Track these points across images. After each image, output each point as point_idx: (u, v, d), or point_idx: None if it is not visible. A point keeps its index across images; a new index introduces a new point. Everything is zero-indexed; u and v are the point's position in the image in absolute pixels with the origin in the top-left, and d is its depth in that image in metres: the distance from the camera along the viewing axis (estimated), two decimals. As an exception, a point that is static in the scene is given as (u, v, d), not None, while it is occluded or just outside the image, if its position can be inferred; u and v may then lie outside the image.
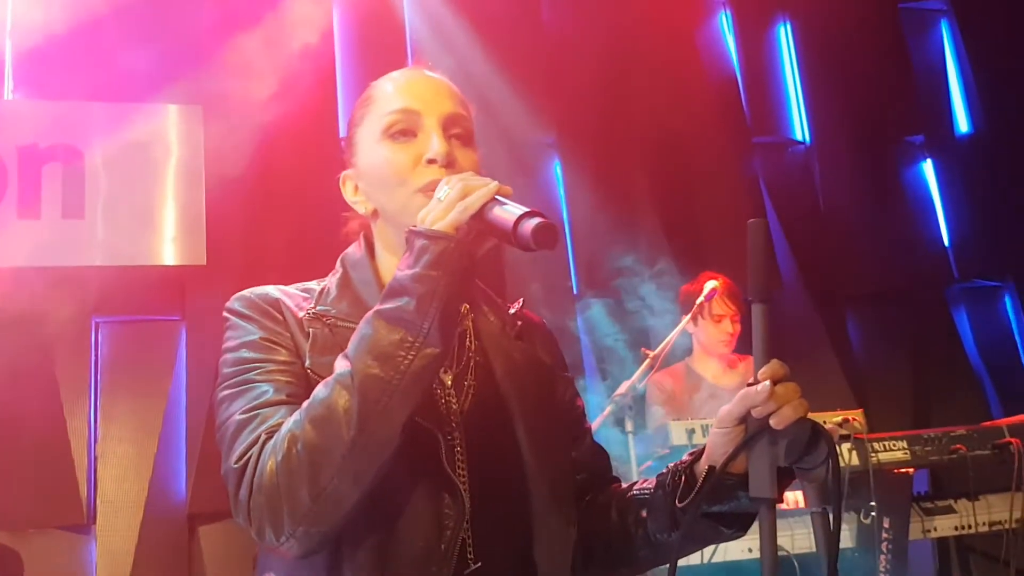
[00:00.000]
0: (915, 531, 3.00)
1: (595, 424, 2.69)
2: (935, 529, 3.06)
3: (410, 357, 1.08)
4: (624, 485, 1.37)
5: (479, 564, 1.17)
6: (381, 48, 4.33)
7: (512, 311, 1.38)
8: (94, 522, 3.59)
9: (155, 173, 3.95)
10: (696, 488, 1.16)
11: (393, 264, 1.23)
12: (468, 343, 1.29)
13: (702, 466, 1.17)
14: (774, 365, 1.09)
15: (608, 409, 2.74)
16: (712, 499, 1.16)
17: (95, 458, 3.66)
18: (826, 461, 1.09)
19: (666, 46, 4.66)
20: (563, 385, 1.39)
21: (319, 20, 4.21)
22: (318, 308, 1.26)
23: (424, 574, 1.14)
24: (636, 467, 2.80)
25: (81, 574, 3.60)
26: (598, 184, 4.36)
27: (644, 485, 1.30)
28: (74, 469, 3.61)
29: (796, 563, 2.87)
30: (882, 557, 2.91)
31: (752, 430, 1.09)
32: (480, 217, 1.12)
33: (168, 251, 3.92)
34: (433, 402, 1.21)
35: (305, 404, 1.11)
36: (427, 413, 1.17)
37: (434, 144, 1.23)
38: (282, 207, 3.85)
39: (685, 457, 1.24)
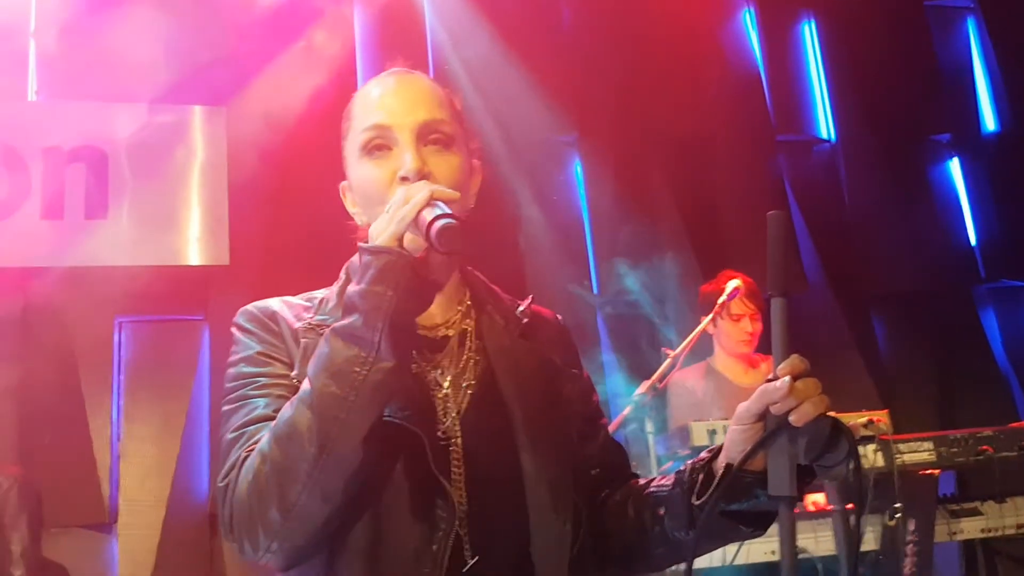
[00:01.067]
0: (941, 533, 2.95)
1: (615, 424, 2.67)
2: (961, 531, 3.01)
3: (364, 372, 1.09)
4: (642, 481, 1.35)
5: (476, 559, 1.17)
6: (402, 49, 4.33)
7: (520, 308, 1.36)
8: (116, 521, 3.62)
9: (179, 174, 3.97)
10: (713, 486, 1.14)
11: None
12: (468, 343, 1.29)
13: (720, 463, 1.15)
14: (794, 360, 1.06)
15: (628, 409, 2.71)
16: (730, 497, 1.14)
17: (118, 457, 3.68)
18: (847, 459, 1.07)
19: (689, 44, 4.64)
20: (572, 382, 1.36)
21: (340, 22, 4.23)
22: (316, 318, 1.26)
23: (417, 575, 1.15)
24: (656, 467, 2.77)
25: (103, 573, 3.62)
26: (619, 183, 4.35)
27: (662, 482, 1.28)
28: (96, 468, 3.63)
29: (820, 566, 2.83)
30: (907, 560, 2.87)
31: (771, 427, 1.07)
32: (416, 225, 1.13)
33: (191, 251, 3.94)
34: (429, 404, 1.22)
35: (272, 424, 1.13)
36: (420, 416, 1.18)
37: (406, 161, 1.22)
38: (304, 208, 3.85)
39: (703, 454, 1.21)
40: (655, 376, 2.77)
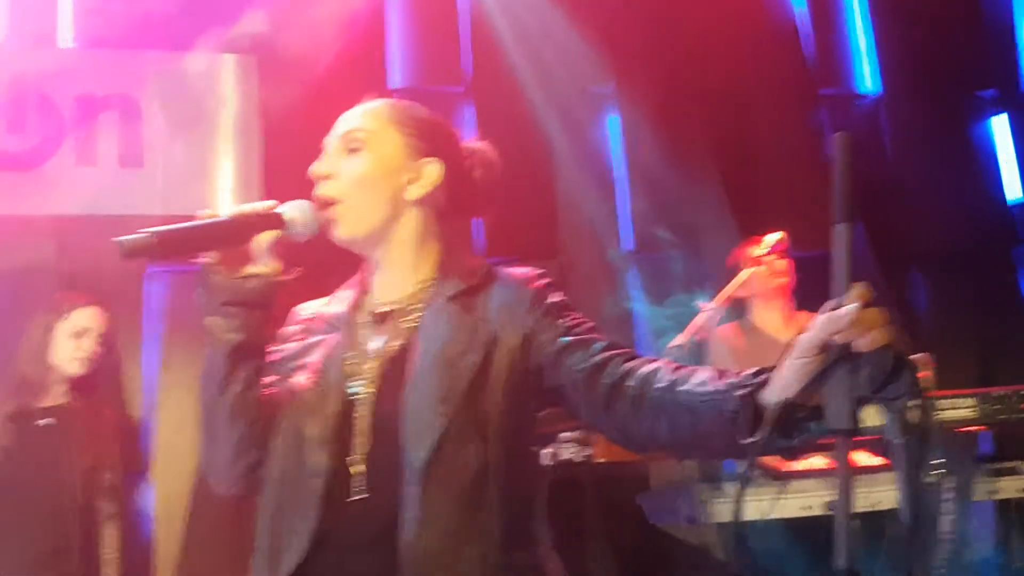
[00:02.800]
0: (978, 492, 2.91)
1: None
2: (1000, 491, 2.96)
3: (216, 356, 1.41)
4: (663, 374, 1.30)
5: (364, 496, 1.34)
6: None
7: (456, 281, 1.45)
8: (151, 468, 3.66)
9: (210, 123, 3.96)
10: (769, 424, 1.11)
11: None
12: (406, 315, 1.44)
13: (770, 398, 1.12)
14: (860, 288, 1.03)
15: (663, 361, 2.68)
16: (781, 433, 1.12)
17: (151, 406, 3.72)
18: (908, 391, 1.04)
19: (728, -7, 4.52)
20: (513, 340, 1.39)
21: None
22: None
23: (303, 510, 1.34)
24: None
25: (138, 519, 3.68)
26: (656, 136, 4.26)
27: (695, 391, 1.24)
28: (129, 416, 3.67)
29: (857, 520, 2.80)
30: (944, 518, 2.83)
31: (832, 357, 1.03)
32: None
33: (223, 201, 3.93)
34: (339, 388, 1.40)
35: None
36: (332, 377, 1.40)
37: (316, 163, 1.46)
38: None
39: (741, 388, 1.18)
40: (690, 329, 2.74)
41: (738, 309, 3.30)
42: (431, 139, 1.48)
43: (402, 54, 4.28)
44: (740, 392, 1.18)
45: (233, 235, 1.36)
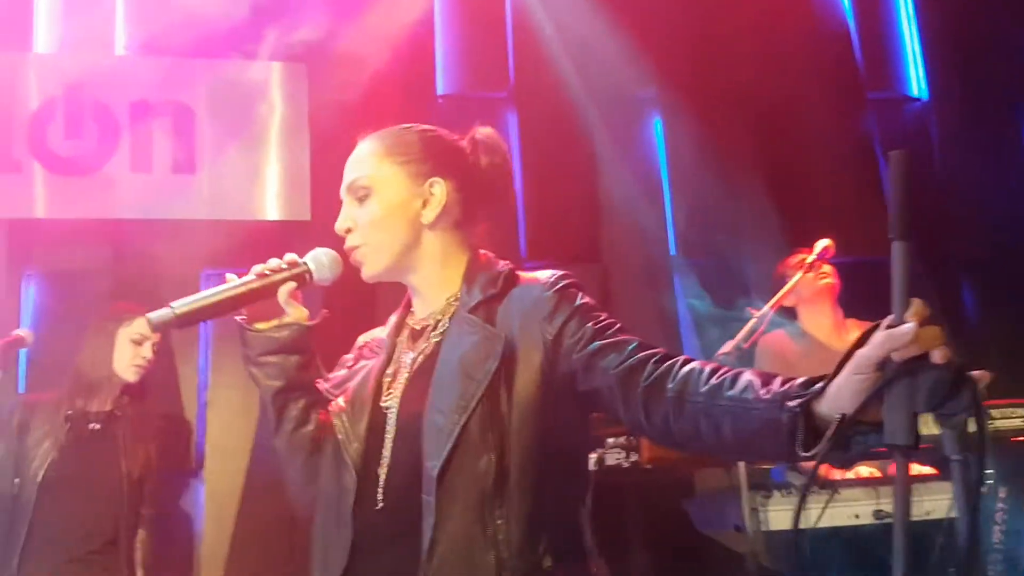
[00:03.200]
0: (1032, 503, 2.87)
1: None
2: (1052, 501, 2.92)
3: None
4: (708, 377, 1.27)
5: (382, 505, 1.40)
6: (480, 2, 4.33)
7: (475, 292, 1.47)
8: (202, 467, 3.74)
9: (260, 129, 4.03)
10: (827, 437, 1.10)
11: None
12: (436, 329, 1.49)
13: (823, 409, 1.13)
14: (918, 305, 1.03)
15: (711, 367, 2.67)
16: (836, 444, 1.11)
17: (204, 405, 3.80)
18: (969, 407, 1.04)
19: (775, -5, 4.49)
20: (536, 339, 1.40)
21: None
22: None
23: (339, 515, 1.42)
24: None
25: (186, 515, 3.76)
26: (700, 141, 4.24)
27: (737, 396, 1.22)
28: (184, 415, 3.75)
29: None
30: (996, 528, 2.79)
31: (891, 374, 1.04)
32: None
33: (272, 206, 4.00)
34: (372, 404, 1.47)
35: None
36: (354, 415, 1.47)
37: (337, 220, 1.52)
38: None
39: (796, 394, 1.17)
40: (739, 336, 2.74)
41: (786, 316, 3.28)
42: (428, 158, 1.51)
43: (448, 60, 4.32)
44: (793, 403, 1.17)
45: (256, 295, 1.45)
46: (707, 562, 3.08)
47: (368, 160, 1.51)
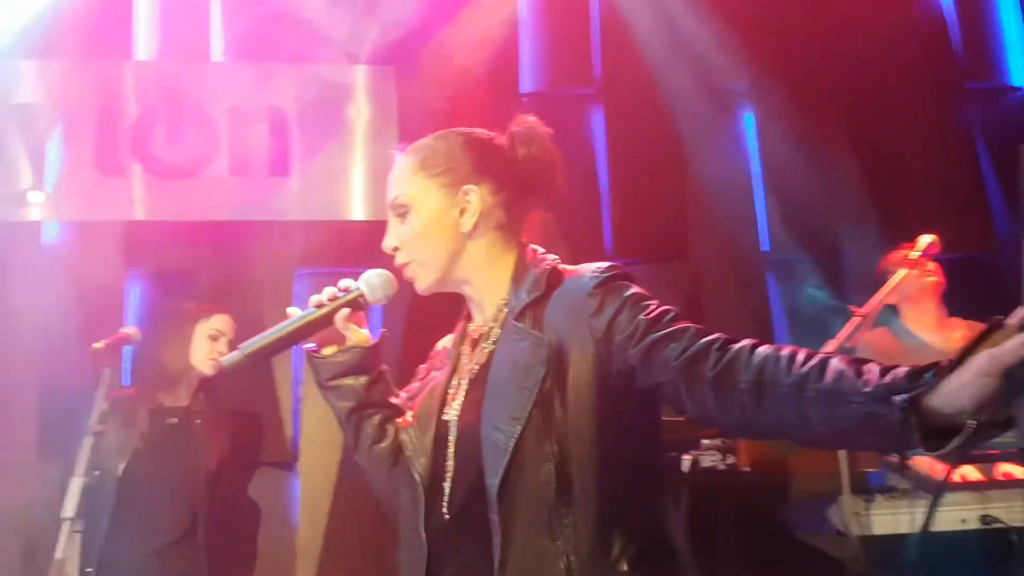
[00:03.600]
0: None
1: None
2: None
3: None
4: (801, 377, 1.19)
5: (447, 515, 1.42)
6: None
7: (522, 295, 1.44)
8: (297, 460, 3.82)
9: (348, 132, 4.10)
10: (958, 442, 1.08)
11: None
12: (489, 337, 1.48)
13: (936, 403, 1.08)
14: None
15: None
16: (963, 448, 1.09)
17: (299, 400, 3.88)
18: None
19: (869, -17, 4.35)
20: (582, 346, 1.36)
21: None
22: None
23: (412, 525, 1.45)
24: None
25: (285, 508, 3.85)
26: (793, 134, 4.14)
27: (849, 397, 1.14)
28: (280, 410, 3.84)
29: (1015, 537, 2.68)
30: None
31: (1020, 378, 1.01)
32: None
33: (360, 207, 4.07)
34: (437, 416, 1.48)
35: None
36: (420, 427, 1.49)
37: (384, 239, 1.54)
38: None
39: (902, 388, 1.12)
40: (842, 334, 2.67)
41: (888, 314, 3.19)
42: (460, 166, 1.50)
43: (532, 58, 4.32)
44: (900, 397, 1.11)
45: (316, 325, 1.51)
46: (806, 568, 3.02)
47: (404, 176, 1.52)
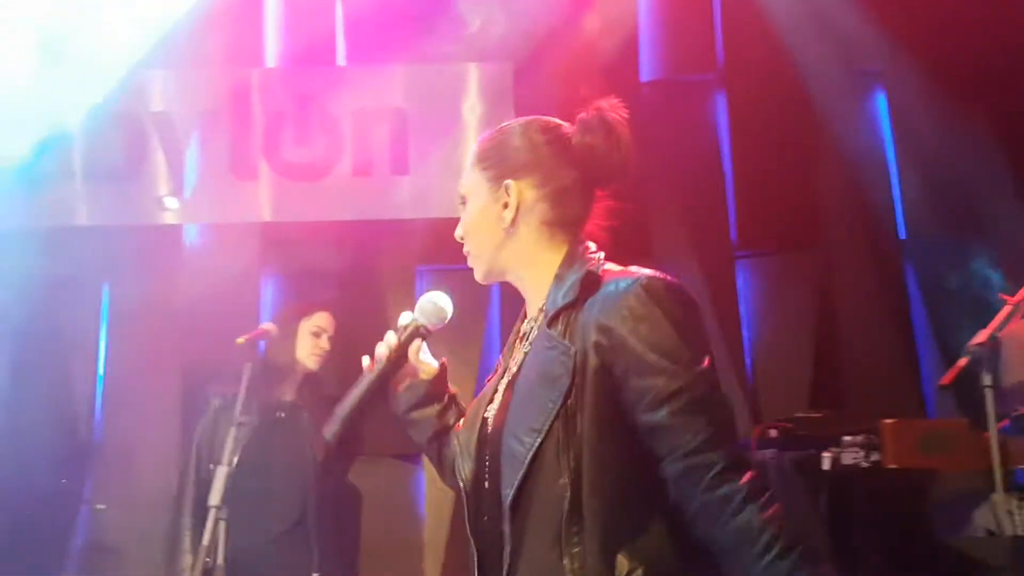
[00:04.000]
0: None
1: (949, 375, 2.45)
2: None
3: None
4: None
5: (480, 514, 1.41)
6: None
7: (557, 299, 1.40)
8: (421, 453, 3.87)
9: (464, 129, 4.13)
10: None
11: None
12: (526, 339, 1.47)
13: None
14: None
15: (964, 360, 2.47)
16: None
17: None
18: None
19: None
20: (596, 361, 1.32)
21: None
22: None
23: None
24: (994, 425, 2.51)
25: (412, 499, 3.92)
26: (930, 118, 3.91)
27: None
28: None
29: None
30: None
31: None
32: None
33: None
34: (485, 408, 1.47)
35: None
36: (468, 428, 1.49)
37: None
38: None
39: None
40: (993, 324, 2.50)
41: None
42: (503, 160, 1.48)
43: (654, 45, 4.23)
44: None
45: (393, 368, 1.54)
46: (953, 571, 2.85)
47: (466, 168, 1.54)
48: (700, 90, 4.18)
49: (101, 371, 4.02)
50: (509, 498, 1.31)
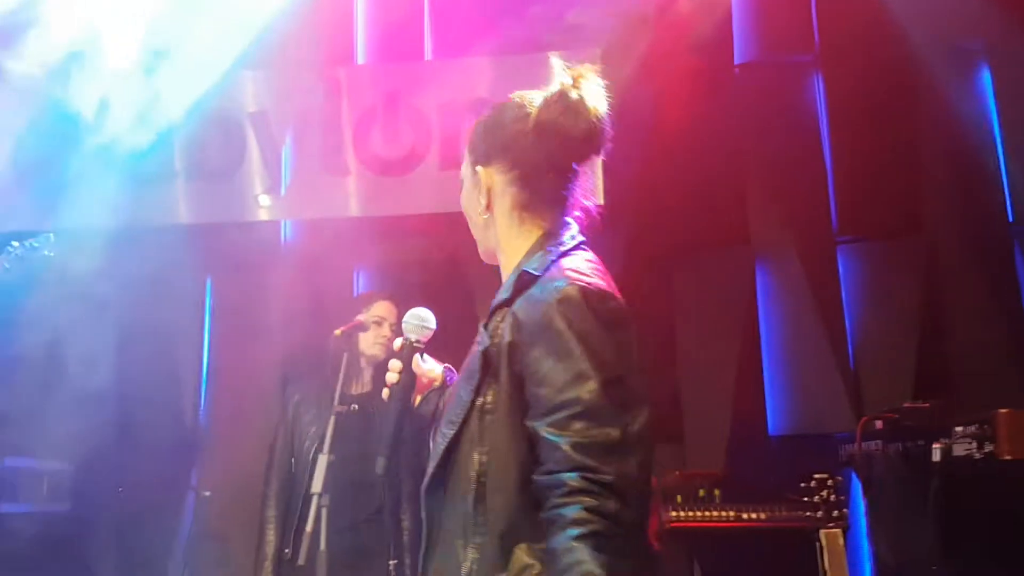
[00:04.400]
0: None
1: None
2: None
3: None
4: None
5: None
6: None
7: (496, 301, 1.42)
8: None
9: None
10: None
11: None
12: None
13: None
14: None
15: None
16: None
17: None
18: None
19: None
20: (514, 359, 1.34)
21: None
22: None
23: None
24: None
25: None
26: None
27: None
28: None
29: None
30: None
31: None
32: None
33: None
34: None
35: None
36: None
37: None
38: (677, 150, 3.79)
39: None
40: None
41: None
42: (480, 144, 1.50)
43: (748, 26, 4.12)
44: None
45: (409, 388, 1.62)
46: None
47: (467, 152, 1.57)
48: (797, 72, 4.06)
49: (205, 363, 4.17)
50: (424, 484, 1.37)
